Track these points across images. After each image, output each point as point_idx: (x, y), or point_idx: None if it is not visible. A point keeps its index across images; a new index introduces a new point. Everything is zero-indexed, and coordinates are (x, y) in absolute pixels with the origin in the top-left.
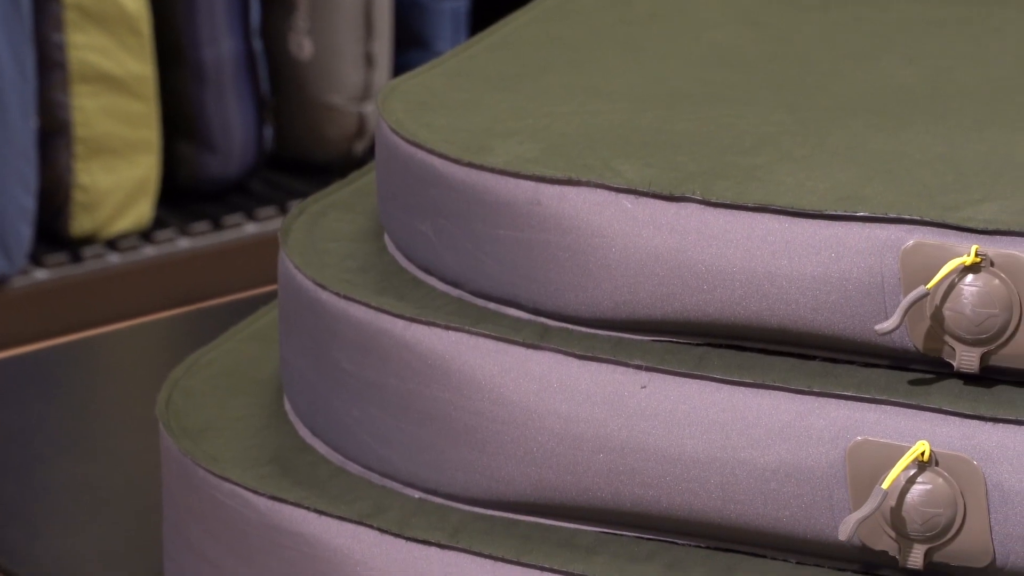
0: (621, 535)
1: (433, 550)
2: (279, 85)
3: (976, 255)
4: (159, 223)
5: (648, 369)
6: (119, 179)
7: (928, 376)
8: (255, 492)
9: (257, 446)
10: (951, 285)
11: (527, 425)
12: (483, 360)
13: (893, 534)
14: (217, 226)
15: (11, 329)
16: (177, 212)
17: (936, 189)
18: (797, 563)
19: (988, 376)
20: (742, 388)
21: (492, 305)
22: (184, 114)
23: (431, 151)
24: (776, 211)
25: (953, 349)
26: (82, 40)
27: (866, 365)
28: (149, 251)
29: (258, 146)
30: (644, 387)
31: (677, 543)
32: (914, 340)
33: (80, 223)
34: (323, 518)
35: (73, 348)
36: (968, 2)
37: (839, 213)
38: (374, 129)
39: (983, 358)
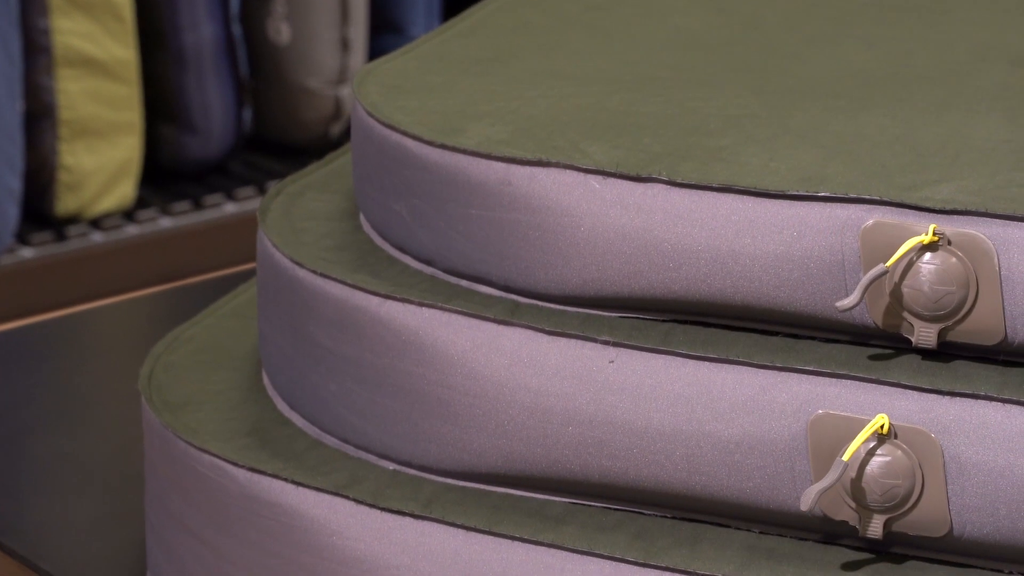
0: (590, 505)
1: (407, 520)
2: (258, 69)
3: (934, 234)
4: (141, 203)
5: (615, 344)
6: (102, 160)
7: (887, 351)
8: (234, 464)
9: (236, 419)
10: (909, 263)
11: (498, 399)
12: (455, 336)
13: (853, 505)
14: (198, 206)
15: None
16: (159, 192)
17: (895, 170)
18: (760, 533)
19: (945, 351)
20: (707, 363)
21: (464, 282)
22: (165, 97)
23: (405, 133)
24: (740, 191)
25: (911, 325)
26: (67, 25)
27: (827, 341)
28: (132, 230)
29: (237, 128)
30: (612, 362)
31: (644, 513)
32: (873, 316)
33: (65, 203)
34: (300, 489)
35: (58, 324)
36: None
37: (801, 193)
38: (350, 112)
39: (940, 334)
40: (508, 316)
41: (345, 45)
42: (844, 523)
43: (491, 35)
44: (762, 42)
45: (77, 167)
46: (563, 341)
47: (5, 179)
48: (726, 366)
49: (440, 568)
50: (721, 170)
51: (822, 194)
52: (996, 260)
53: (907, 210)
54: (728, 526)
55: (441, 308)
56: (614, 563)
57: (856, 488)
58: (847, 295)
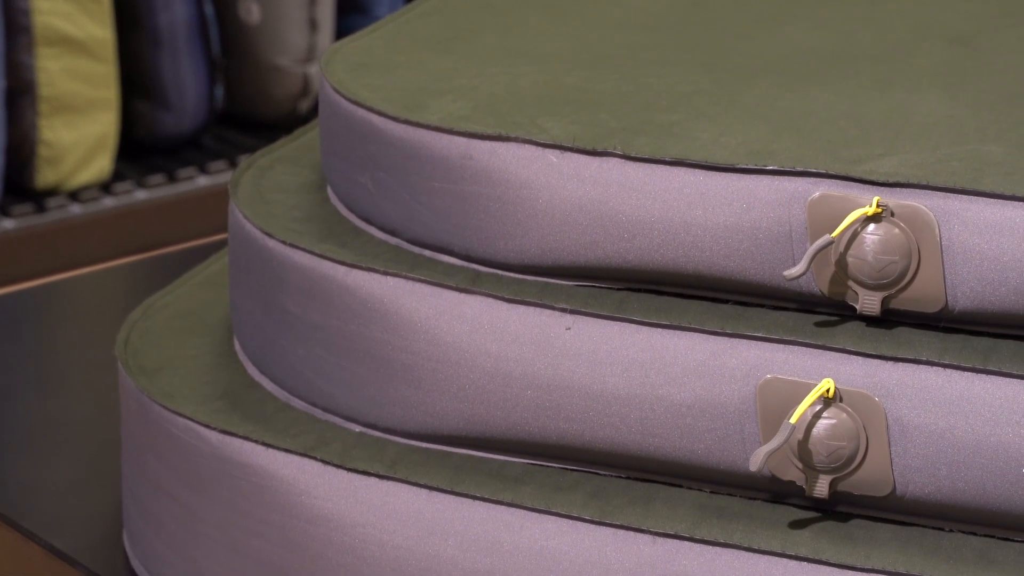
0: (547, 466)
1: (372, 480)
2: (229, 48)
3: (877, 206)
4: (118, 176)
5: (572, 312)
6: (81, 135)
7: (833, 318)
8: (207, 426)
9: (209, 383)
10: (854, 234)
11: (460, 364)
12: (419, 303)
13: (800, 465)
14: (172, 179)
15: None
16: (135, 166)
17: (840, 144)
18: (711, 492)
19: (889, 318)
20: (660, 329)
21: (427, 252)
22: (141, 75)
23: (370, 109)
24: (691, 165)
25: (856, 293)
26: (47, 6)
27: (775, 308)
28: (109, 202)
29: (210, 104)
30: (569, 329)
31: (599, 473)
32: (820, 285)
33: (44, 176)
34: (270, 450)
35: (38, 293)
36: None
37: (750, 167)
38: (318, 89)
39: (884, 301)
40: (469, 285)
41: (313, 25)
42: (791, 483)
43: (453, 15)
44: (713, 22)
45: (56, 142)
46: (522, 309)
47: None
48: (678, 332)
49: (404, 526)
50: (673, 145)
51: (770, 167)
52: (937, 231)
53: (852, 183)
54: (680, 486)
55: (405, 277)
56: (571, 521)
57: (803, 449)
58: (794, 264)
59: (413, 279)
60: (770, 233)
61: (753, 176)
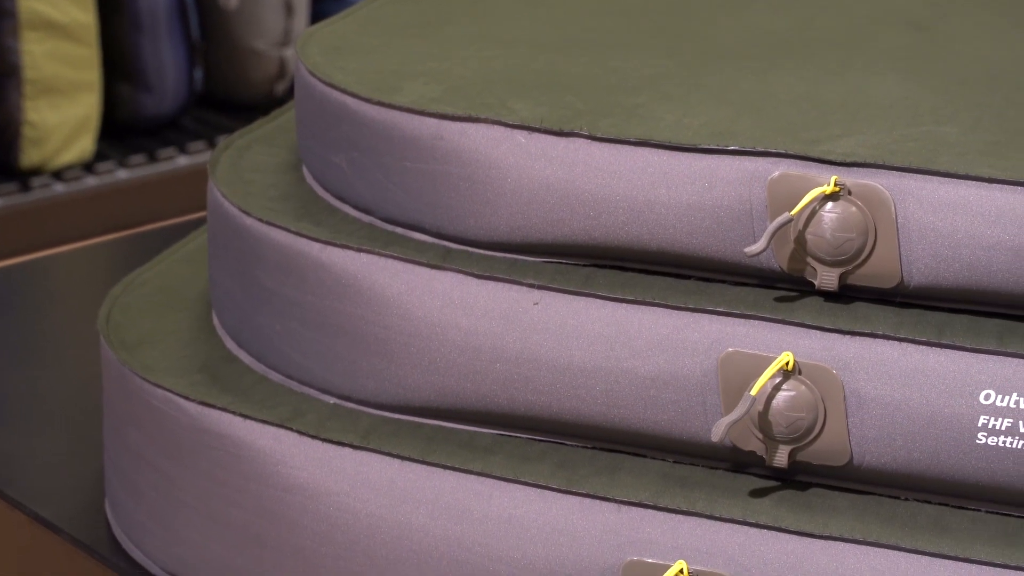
0: (516, 437)
1: (346, 450)
2: (208, 32)
3: (835, 185)
4: (100, 156)
5: (540, 287)
6: (64, 116)
7: (792, 294)
8: (186, 398)
9: (188, 357)
10: (813, 212)
11: (431, 338)
12: (391, 279)
13: (760, 436)
14: (152, 159)
15: None
16: (116, 146)
17: (800, 125)
18: (674, 462)
19: (846, 294)
20: (624, 304)
21: (399, 230)
22: (122, 58)
23: (344, 91)
24: (655, 145)
25: (815, 269)
26: None
27: (736, 284)
28: (91, 181)
29: (189, 87)
30: (536, 304)
31: (566, 444)
32: (779, 261)
33: (29, 156)
34: (247, 421)
35: (22, 269)
36: None
37: (712, 147)
38: (293, 71)
39: (842, 277)
40: (440, 261)
41: (289, 10)
42: (752, 453)
43: (425, 1)
44: (678, 8)
45: (40, 123)
46: (491, 284)
47: None
48: (642, 307)
49: (377, 494)
50: (638, 126)
51: (732, 148)
52: (893, 209)
53: (811, 163)
54: (644, 456)
55: (378, 253)
56: (538, 490)
57: (763, 421)
58: (755, 242)
59: (386, 256)
60: (731, 211)
61: (715, 156)
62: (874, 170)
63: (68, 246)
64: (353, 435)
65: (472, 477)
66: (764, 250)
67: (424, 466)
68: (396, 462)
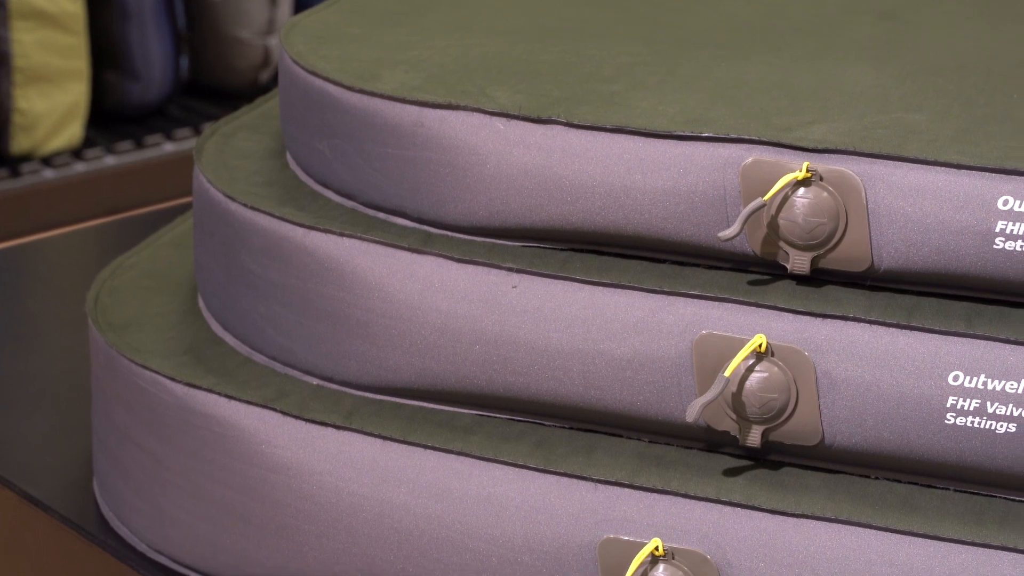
0: (495, 417)
1: (329, 430)
2: (194, 21)
3: (807, 171)
4: (88, 142)
5: (519, 271)
6: (53, 104)
7: (765, 277)
8: (172, 379)
9: (174, 339)
10: (785, 197)
11: (412, 320)
12: (373, 263)
13: (734, 416)
14: (139, 145)
15: None
16: (104, 133)
17: (772, 113)
18: (650, 442)
19: (818, 277)
20: (601, 288)
21: (381, 215)
22: (110, 47)
23: (327, 79)
24: (631, 132)
25: (787, 253)
26: None
27: (711, 268)
28: (80, 167)
29: (175, 75)
30: (515, 287)
31: (544, 424)
32: (753, 245)
33: (19, 142)
34: (232, 402)
35: (12, 253)
36: None
37: (686, 134)
38: (277, 60)
39: (813, 261)
40: (421, 245)
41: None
42: (726, 433)
43: None
44: None
45: (30, 110)
46: (471, 268)
47: None
48: (619, 290)
49: (359, 473)
50: (614, 113)
51: (706, 134)
52: (863, 194)
53: (783, 149)
54: (621, 436)
55: (360, 238)
56: (517, 469)
57: (737, 401)
58: (729, 226)
59: (368, 240)
60: (706, 197)
61: (690, 143)
62: (845, 156)
63: (57, 230)
64: (336, 415)
65: (452, 456)
66: (738, 234)
67: (405, 446)
68: (378, 442)
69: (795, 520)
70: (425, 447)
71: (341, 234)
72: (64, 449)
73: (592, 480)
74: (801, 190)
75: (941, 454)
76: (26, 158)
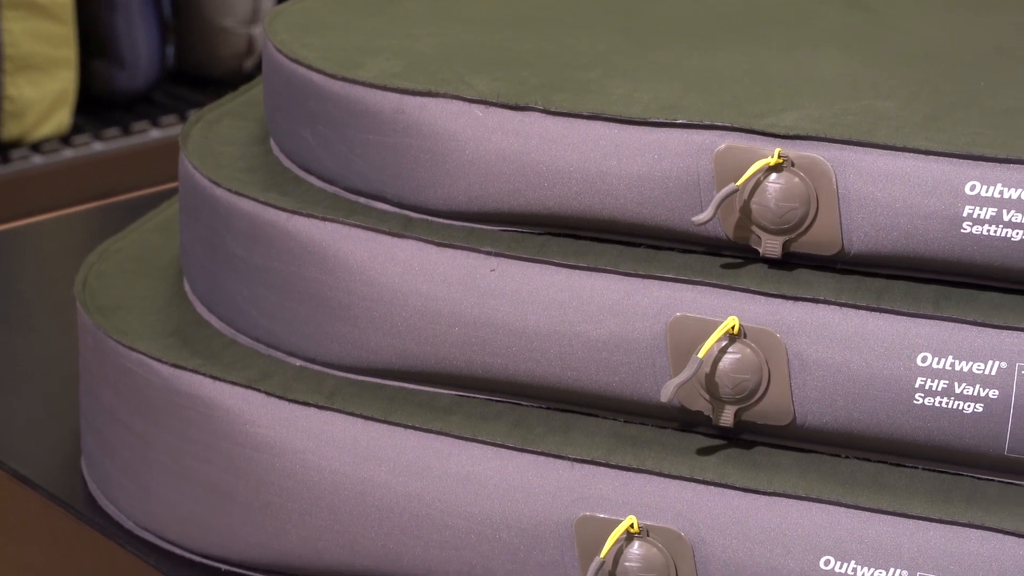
0: (474, 397)
1: (312, 410)
2: (179, 10)
3: (779, 157)
4: (77, 129)
5: (497, 255)
6: (42, 91)
7: (738, 261)
8: (158, 360)
9: (161, 321)
10: (757, 182)
11: (393, 303)
12: (355, 247)
13: (707, 397)
14: (126, 132)
15: None
16: (92, 119)
17: (745, 100)
18: (625, 421)
19: (789, 261)
20: (577, 271)
21: (363, 200)
22: (98, 35)
23: (310, 67)
24: (607, 119)
25: (759, 237)
26: None
27: (685, 251)
28: (68, 153)
29: (161, 63)
30: (493, 270)
31: (522, 404)
32: (726, 230)
33: (8, 129)
34: (217, 383)
35: (2, 237)
36: None
37: (661, 121)
38: (261, 48)
39: (785, 245)
40: (402, 230)
41: None
42: (699, 413)
43: None
44: None
45: (20, 97)
46: (450, 252)
47: None
48: (595, 273)
49: (341, 452)
50: (590, 100)
51: (680, 121)
52: (834, 180)
53: (755, 135)
54: (597, 415)
55: (342, 222)
56: (495, 448)
57: (710, 382)
58: (702, 211)
59: (350, 224)
60: (680, 182)
61: (664, 129)
62: (816, 142)
63: (46, 215)
64: (318, 396)
65: (432, 436)
66: (711, 219)
67: (386, 425)
68: (359, 421)
69: (767, 498)
70: (405, 427)
71: (323, 218)
72: (53, 429)
73: (569, 459)
74: (773, 175)
75: (910, 433)
76: (15, 144)
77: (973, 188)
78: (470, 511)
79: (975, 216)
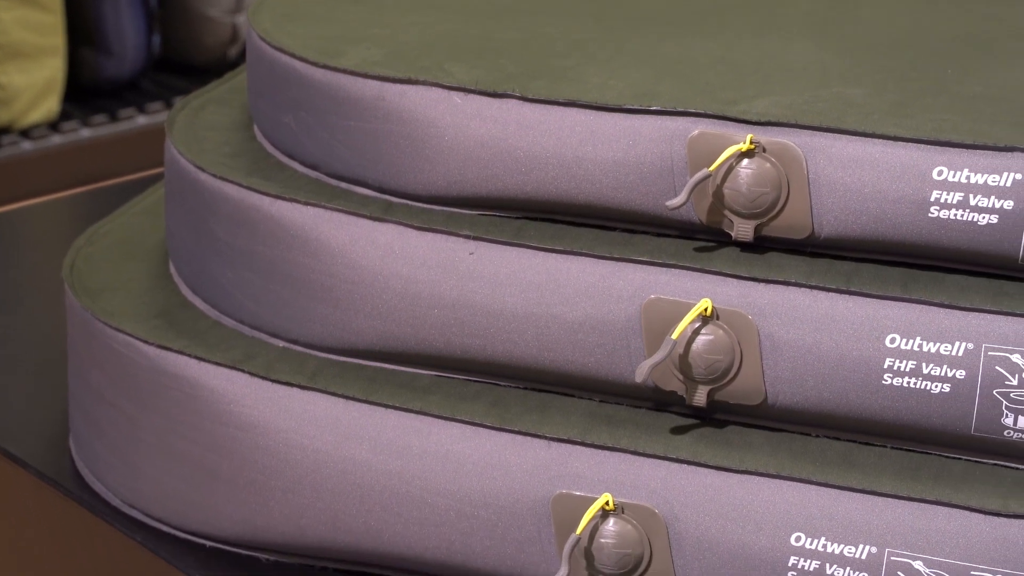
0: (453, 378)
1: (295, 390)
2: (165, 0)
3: (751, 142)
4: (65, 116)
5: (475, 238)
6: (31, 79)
7: (710, 244)
8: (145, 341)
9: (147, 303)
10: (730, 168)
11: (374, 286)
12: (337, 231)
13: (681, 377)
14: (114, 118)
15: None
16: (80, 106)
17: (717, 87)
18: (600, 401)
19: (761, 244)
20: (554, 254)
21: (344, 185)
22: (86, 24)
23: (293, 55)
24: (583, 105)
25: (731, 221)
26: None
27: (659, 235)
28: (56, 139)
29: (148, 51)
30: (472, 254)
31: (499, 384)
32: (699, 214)
33: None
34: (202, 363)
35: None
36: None
37: (635, 107)
38: (245, 37)
39: (757, 229)
40: (382, 214)
41: None
42: (673, 393)
43: None
44: None
45: (9, 85)
46: (430, 235)
47: None
48: (570, 257)
49: (323, 431)
50: (567, 87)
51: (654, 108)
52: (805, 165)
53: (728, 122)
54: (573, 395)
55: (324, 207)
56: (473, 427)
57: (683, 363)
58: (676, 196)
59: (332, 209)
60: (654, 167)
61: (638, 116)
62: (787, 129)
63: (35, 200)
64: (301, 376)
65: (412, 415)
66: (684, 203)
67: (367, 405)
68: (341, 401)
69: (739, 476)
70: (386, 406)
71: (306, 203)
72: (41, 408)
73: (545, 438)
74: (745, 161)
75: (879, 413)
76: (5, 130)
77: (940, 173)
78: (449, 489)
79: (942, 201)
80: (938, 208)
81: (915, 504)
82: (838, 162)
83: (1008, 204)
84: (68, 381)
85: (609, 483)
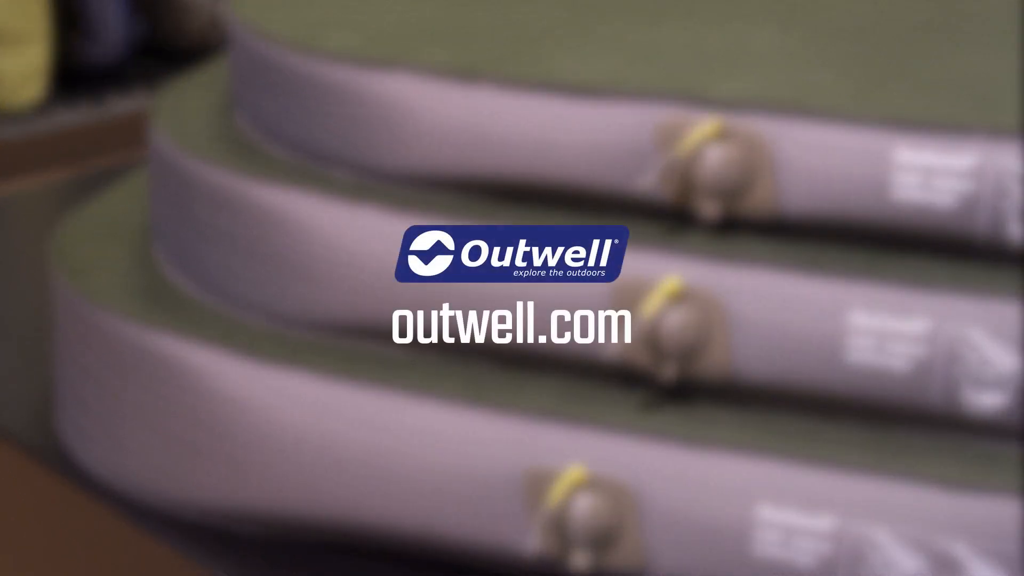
0: (429, 355)
1: (274, 367)
2: None
3: (718, 126)
4: (50, 100)
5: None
6: (17, 64)
7: (679, 225)
8: (128, 319)
9: (131, 282)
10: (697, 150)
11: (351, 264)
12: (315, 212)
13: (651, 354)
14: (98, 103)
15: None
16: (65, 91)
17: (685, 72)
18: (574, 379)
19: (728, 225)
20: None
21: (323, 167)
22: (71, 10)
23: (272, 41)
24: (555, 89)
25: (699, 203)
26: None
27: (627, 215)
28: (42, 123)
29: (132, 36)
30: None
31: (474, 363)
32: (667, 195)
33: None
34: (184, 340)
35: None
36: None
37: (606, 91)
38: (227, 24)
39: (723, 210)
40: (359, 195)
41: None
42: (643, 369)
43: None
44: None
45: None
46: (404, 216)
47: None
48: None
49: (302, 407)
50: (539, 72)
51: (624, 92)
52: (770, 148)
53: (696, 106)
54: (546, 371)
55: (303, 189)
56: (449, 403)
57: (653, 340)
58: (645, 177)
59: (310, 191)
60: (623, 150)
61: (609, 100)
62: (753, 112)
63: (22, 183)
64: (280, 353)
65: (388, 391)
66: (653, 185)
67: (345, 381)
68: (319, 377)
69: (706, 449)
70: (363, 382)
71: (285, 185)
72: (27, 385)
73: (518, 413)
74: (712, 144)
75: (842, 389)
76: None
77: (902, 156)
78: (425, 463)
79: (903, 182)
80: (899, 189)
81: (878, 476)
82: (803, 145)
83: (967, 186)
84: (54, 358)
85: (580, 456)
